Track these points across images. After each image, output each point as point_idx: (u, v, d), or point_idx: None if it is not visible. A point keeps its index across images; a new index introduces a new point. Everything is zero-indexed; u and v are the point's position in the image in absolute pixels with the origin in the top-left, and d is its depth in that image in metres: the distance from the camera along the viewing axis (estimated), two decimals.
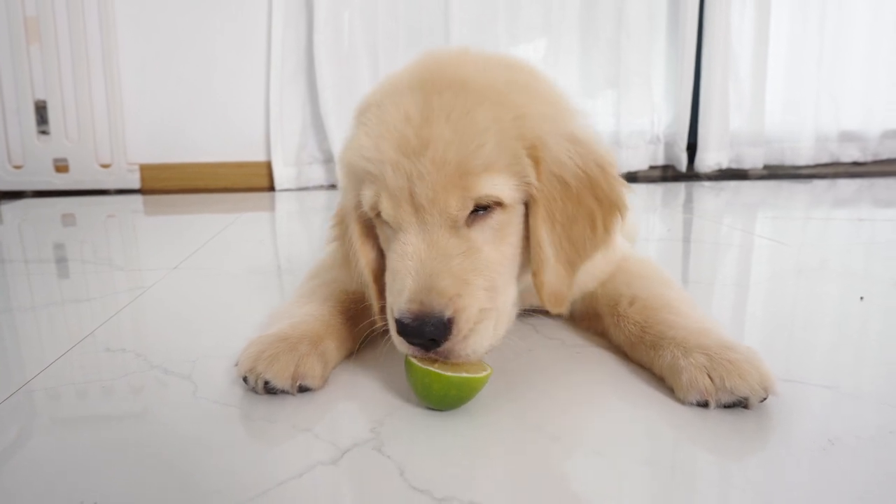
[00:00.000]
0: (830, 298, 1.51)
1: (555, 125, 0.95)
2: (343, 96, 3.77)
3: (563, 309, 1.00)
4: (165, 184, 3.80)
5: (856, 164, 4.08)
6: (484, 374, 0.90)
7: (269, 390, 0.96)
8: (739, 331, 1.31)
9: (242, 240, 2.40)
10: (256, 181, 3.83)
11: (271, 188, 3.81)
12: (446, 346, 0.86)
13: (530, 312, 1.13)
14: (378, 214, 0.95)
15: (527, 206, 0.95)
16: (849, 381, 1.00)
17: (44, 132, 3.66)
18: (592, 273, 1.19)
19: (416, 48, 3.82)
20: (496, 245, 0.92)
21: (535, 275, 0.96)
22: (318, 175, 3.91)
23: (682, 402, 0.92)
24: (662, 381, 0.98)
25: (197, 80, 3.78)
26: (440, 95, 0.91)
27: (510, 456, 0.81)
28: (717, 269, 1.91)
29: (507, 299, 0.95)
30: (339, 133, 3.78)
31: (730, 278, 1.80)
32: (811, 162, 4.01)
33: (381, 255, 1.05)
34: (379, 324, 1.02)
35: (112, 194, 3.74)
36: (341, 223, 1.12)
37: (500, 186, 0.90)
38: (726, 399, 0.89)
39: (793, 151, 4.00)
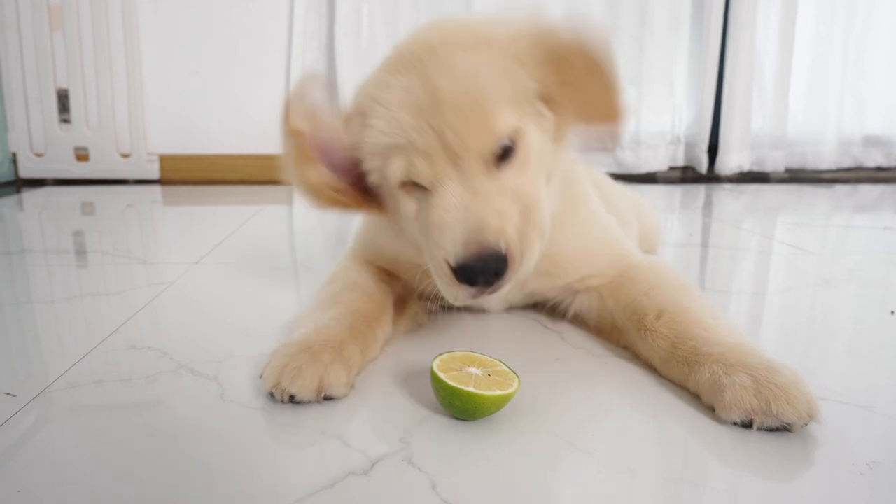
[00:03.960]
0: (855, 310, 1.49)
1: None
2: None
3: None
4: (184, 174, 3.81)
5: (879, 169, 4.02)
6: (510, 390, 0.90)
7: (295, 402, 0.95)
8: (759, 342, 1.30)
9: (263, 234, 2.40)
10: (275, 174, 3.83)
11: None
12: (506, 275, 0.93)
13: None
14: (405, 184, 1.00)
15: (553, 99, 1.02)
16: (884, 401, 0.99)
17: (65, 120, 3.67)
18: (588, 262, 1.23)
19: None
20: (521, 172, 0.99)
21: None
22: None
23: (723, 420, 0.90)
24: (695, 398, 0.97)
25: (218, 72, 3.78)
26: (431, 58, 0.97)
27: (543, 470, 0.81)
28: (735, 276, 1.89)
29: (543, 212, 1.02)
30: None
31: (748, 286, 1.78)
32: (834, 166, 3.96)
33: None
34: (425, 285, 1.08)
35: (131, 184, 3.76)
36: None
37: (513, 116, 0.97)
38: (770, 423, 0.87)
39: (815, 155, 3.95)
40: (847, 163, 3.98)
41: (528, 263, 0.97)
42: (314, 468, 0.79)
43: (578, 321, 1.30)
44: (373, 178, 1.06)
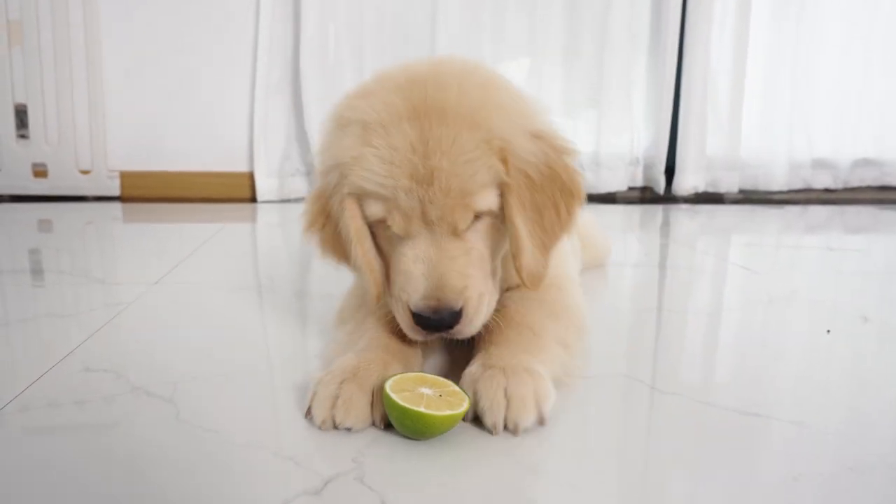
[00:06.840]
0: (799, 330, 1.56)
1: (519, 126, 1.10)
2: (328, 109, 3.77)
3: (539, 287, 1.15)
4: (145, 192, 3.77)
5: (827, 190, 4.18)
6: (460, 410, 0.93)
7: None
8: (710, 361, 1.35)
9: (225, 253, 2.39)
10: (238, 192, 3.82)
11: (253, 199, 3.80)
12: (456, 328, 1.06)
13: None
14: (381, 224, 1.10)
15: (502, 199, 1.09)
16: (813, 417, 1.04)
17: (23, 136, 3.62)
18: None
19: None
20: (486, 241, 1.11)
21: (514, 258, 1.12)
22: (300, 187, 3.91)
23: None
24: None
25: (181, 89, 3.77)
26: (431, 127, 1.04)
27: (491, 487, 0.84)
28: (689, 296, 1.96)
29: (497, 282, 1.16)
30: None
31: (702, 306, 1.84)
32: (784, 188, 4.10)
33: (374, 250, 1.16)
34: (375, 306, 1.17)
35: (91, 201, 3.71)
36: (322, 214, 1.20)
37: (490, 199, 1.08)
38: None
39: (767, 177, 4.09)
40: (797, 184, 4.13)
41: (479, 320, 1.08)
42: (266, 488, 0.81)
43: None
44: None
